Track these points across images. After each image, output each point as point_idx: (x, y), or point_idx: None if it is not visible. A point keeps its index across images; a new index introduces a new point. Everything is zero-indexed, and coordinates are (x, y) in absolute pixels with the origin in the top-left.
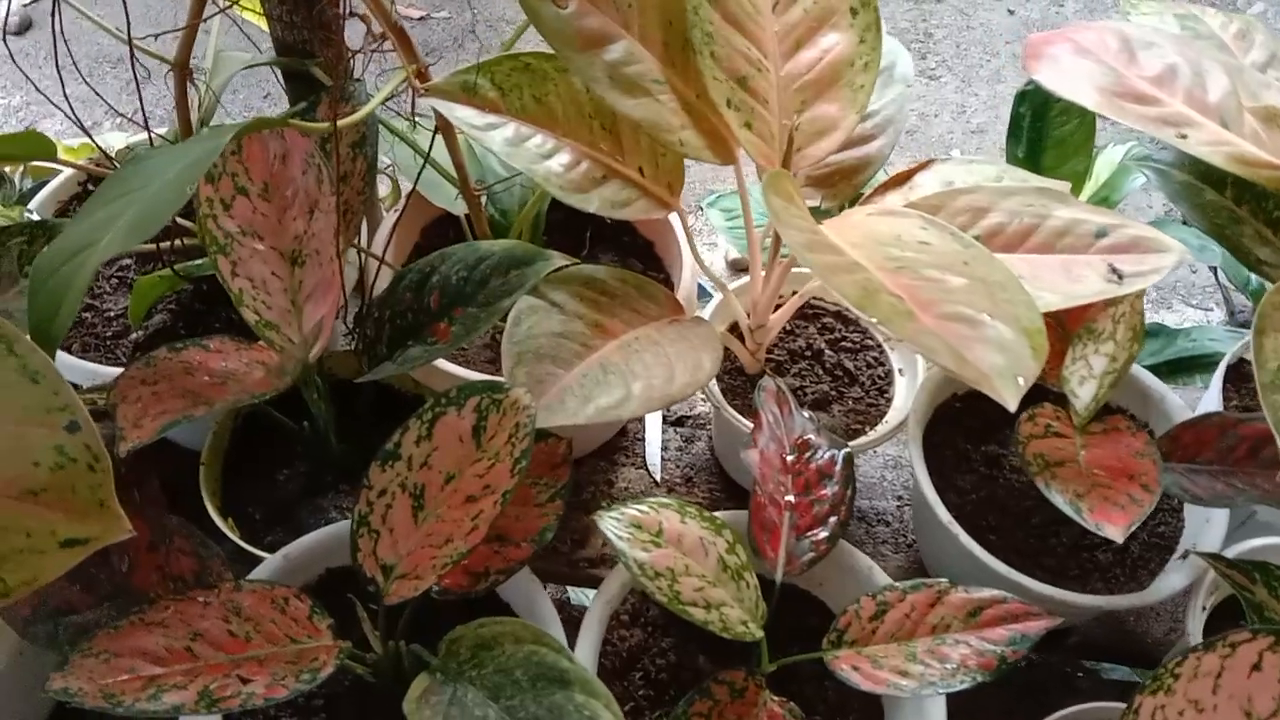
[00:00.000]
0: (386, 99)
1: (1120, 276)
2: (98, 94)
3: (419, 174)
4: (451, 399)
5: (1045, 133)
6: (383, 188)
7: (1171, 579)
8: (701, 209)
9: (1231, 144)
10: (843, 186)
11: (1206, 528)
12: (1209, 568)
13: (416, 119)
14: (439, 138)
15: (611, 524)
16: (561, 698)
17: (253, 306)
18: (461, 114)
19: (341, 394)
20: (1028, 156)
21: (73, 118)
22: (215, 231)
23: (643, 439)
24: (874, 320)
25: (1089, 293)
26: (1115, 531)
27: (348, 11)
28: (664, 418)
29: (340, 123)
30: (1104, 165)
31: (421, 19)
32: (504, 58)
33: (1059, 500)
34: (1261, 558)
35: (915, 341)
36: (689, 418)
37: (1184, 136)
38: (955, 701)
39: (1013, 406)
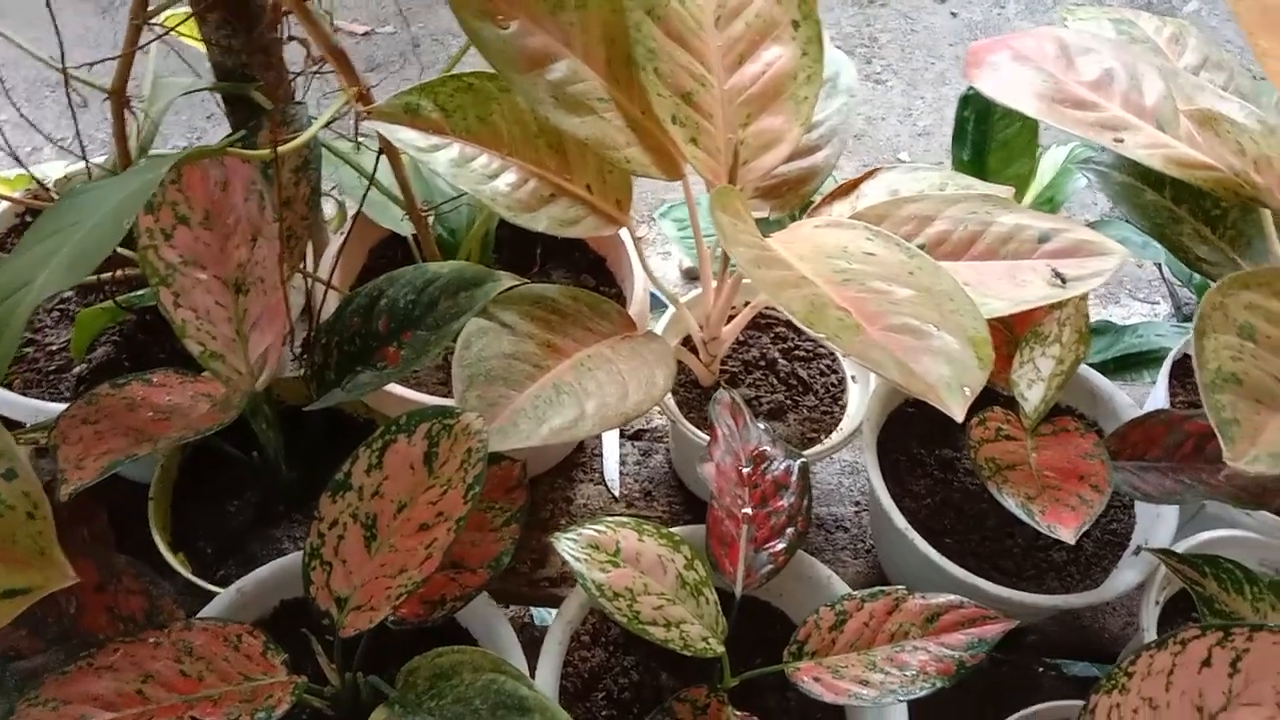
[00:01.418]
0: (328, 123)
1: (1064, 280)
2: (31, 123)
3: (364, 196)
4: (402, 426)
5: (989, 136)
6: (329, 210)
7: (1125, 576)
8: (655, 219)
9: (1168, 146)
10: (790, 197)
11: (1157, 523)
12: (1159, 563)
13: (361, 140)
14: (384, 159)
15: (569, 545)
16: None
17: (197, 337)
18: (405, 136)
19: (291, 421)
20: (973, 160)
21: (7, 148)
22: (156, 262)
23: (601, 455)
24: (821, 336)
25: (1034, 298)
26: (1067, 533)
27: (286, 35)
28: (621, 432)
29: (281, 148)
30: (1048, 166)
31: (365, 35)
32: (447, 78)
33: (1011, 504)
34: (1212, 551)
35: (862, 356)
36: (646, 431)
37: (1120, 141)
38: (918, 706)
39: (959, 417)
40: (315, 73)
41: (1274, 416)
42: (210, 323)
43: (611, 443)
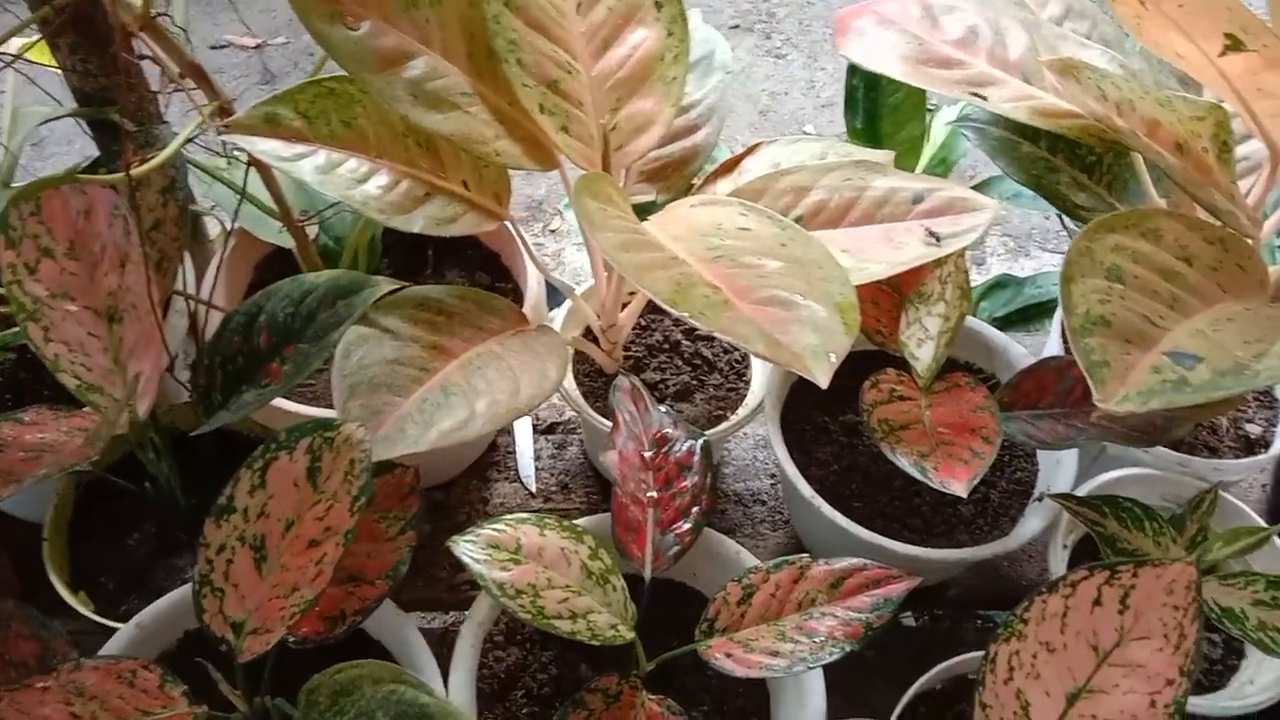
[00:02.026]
0: (187, 141)
1: (938, 239)
2: None
3: (236, 211)
4: (282, 443)
5: (879, 102)
6: (214, 229)
7: (1030, 523)
8: (561, 211)
9: (1033, 98)
10: (675, 179)
11: (1058, 469)
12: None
13: (235, 155)
14: (255, 172)
15: (467, 548)
16: None
17: (71, 371)
18: (266, 147)
19: (187, 447)
20: (866, 127)
21: None
22: (23, 297)
23: (515, 452)
24: (686, 316)
25: (910, 258)
26: (959, 487)
27: (140, 55)
28: (534, 427)
29: (136, 170)
30: (940, 127)
31: (257, 47)
32: (306, 85)
33: (904, 463)
34: (1114, 490)
35: (728, 332)
36: (559, 424)
37: (983, 97)
38: (845, 668)
39: (824, 383)
40: (174, 90)
41: (1144, 355)
42: (85, 354)
43: (525, 439)
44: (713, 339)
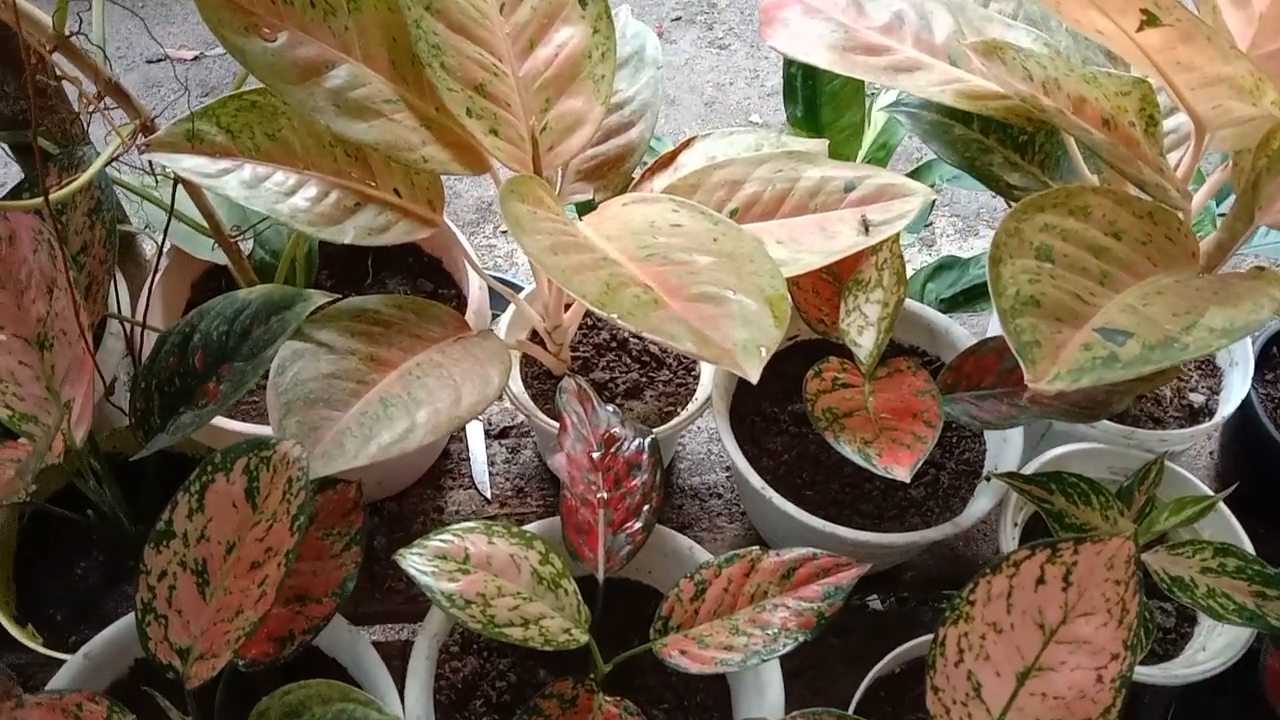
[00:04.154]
0: (108, 163)
1: (871, 226)
2: None
3: (166, 229)
4: (218, 464)
5: (818, 90)
6: (151, 248)
7: (980, 503)
8: None
9: (959, 81)
10: (613, 176)
11: (1005, 448)
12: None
13: (164, 173)
14: (183, 189)
15: (415, 560)
16: None
17: (3, 401)
18: (190, 164)
19: (131, 472)
20: (806, 115)
21: None
22: None
23: (468, 458)
24: (614, 318)
25: (844, 247)
26: (903, 472)
27: (59, 75)
28: (486, 432)
29: (55, 194)
30: (881, 113)
31: (195, 59)
32: (228, 99)
33: (848, 451)
34: (1062, 466)
35: (657, 331)
36: (512, 428)
37: (911, 80)
38: (802, 656)
39: (754, 378)
40: (94, 111)
41: (1075, 333)
42: (16, 383)
43: (478, 444)
44: None
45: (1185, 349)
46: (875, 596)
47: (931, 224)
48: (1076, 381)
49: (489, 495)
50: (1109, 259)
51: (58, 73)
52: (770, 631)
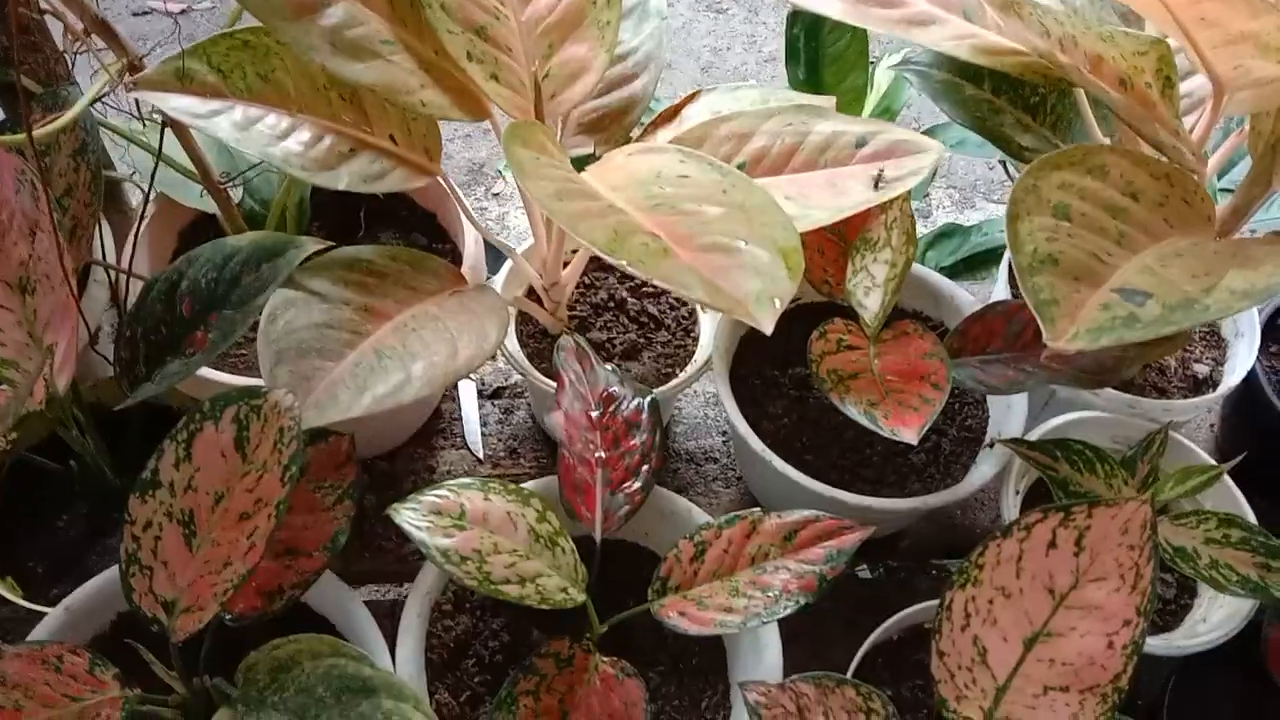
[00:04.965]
0: (94, 101)
1: (883, 182)
2: None
3: (153, 174)
4: (206, 412)
5: (821, 51)
6: (137, 197)
7: (982, 470)
8: (502, 174)
9: (975, 36)
10: (614, 130)
11: (1009, 414)
12: (1014, 454)
13: (151, 118)
14: (171, 134)
15: (409, 515)
16: (368, 706)
17: None
18: (178, 104)
19: (115, 424)
20: (809, 77)
21: None
22: None
23: (460, 418)
24: (624, 264)
25: (855, 203)
26: (910, 434)
27: (42, 10)
28: (480, 392)
29: (38, 131)
30: (884, 76)
31: (183, 11)
32: (220, 37)
33: (854, 413)
34: (1065, 434)
35: (668, 280)
36: (505, 388)
37: (927, 33)
38: (800, 622)
39: (768, 329)
40: (81, 51)
41: (1093, 293)
42: None
43: (470, 404)
44: (659, 295)
45: (1207, 310)
46: (863, 566)
47: (928, 195)
48: (1096, 341)
49: (481, 455)
50: (1126, 219)
51: (42, 5)
52: (771, 594)
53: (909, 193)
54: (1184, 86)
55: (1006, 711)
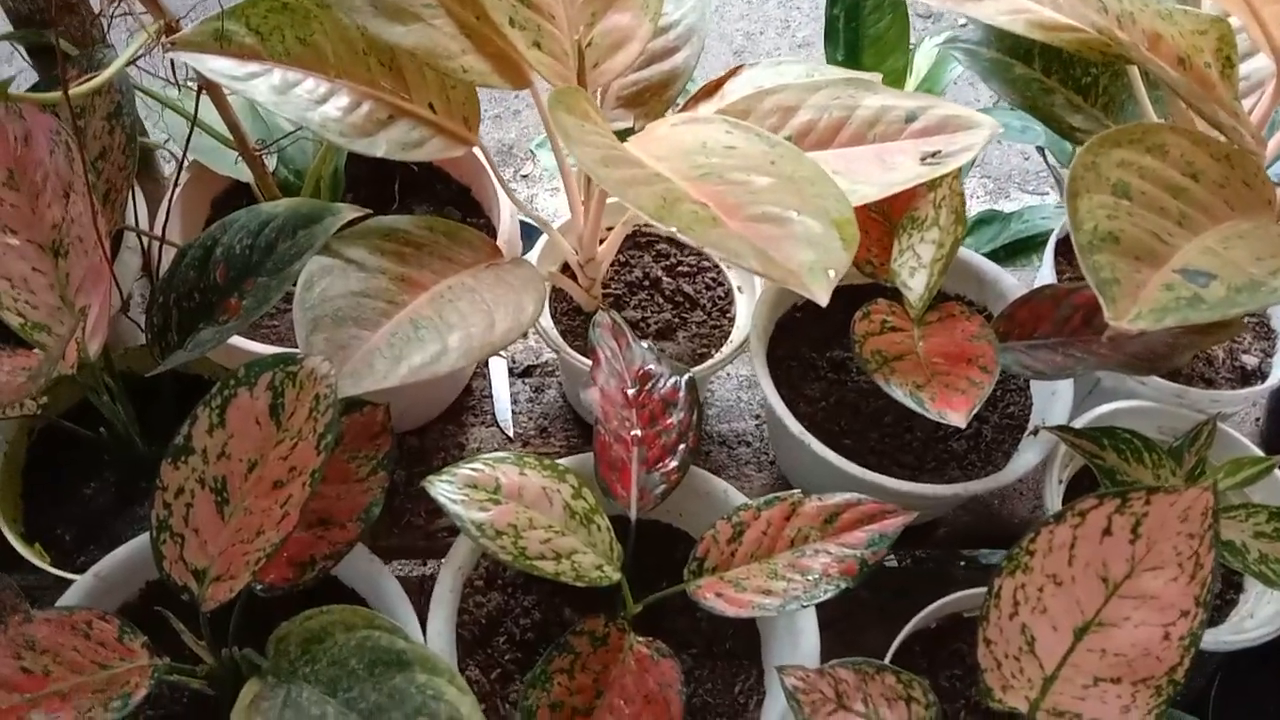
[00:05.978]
0: (130, 62)
1: (935, 157)
2: None
3: (188, 141)
4: (241, 379)
5: (861, 33)
6: (170, 167)
7: (1025, 457)
8: (533, 155)
9: (1030, 10)
10: (654, 104)
11: (1053, 401)
12: (1059, 441)
13: (187, 84)
14: (206, 99)
15: (444, 488)
16: (402, 680)
17: (15, 309)
18: (216, 65)
19: (146, 393)
20: (847, 59)
21: None
22: None
23: (490, 395)
24: (674, 229)
25: (905, 179)
26: (958, 417)
27: None
28: (510, 370)
29: (74, 91)
30: (923, 59)
31: None
32: None
33: (899, 394)
34: (1110, 423)
35: (719, 248)
36: (536, 367)
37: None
38: (833, 607)
39: (823, 301)
40: (119, 14)
41: (1154, 273)
42: (29, 291)
43: (501, 382)
44: (695, 275)
45: (1274, 292)
46: (892, 556)
47: (963, 185)
48: (1160, 321)
49: (511, 433)
50: (1187, 200)
51: None
52: (810, 577)
53: (959, 170)
54: (1243, 68)
55: (1054, 702)
